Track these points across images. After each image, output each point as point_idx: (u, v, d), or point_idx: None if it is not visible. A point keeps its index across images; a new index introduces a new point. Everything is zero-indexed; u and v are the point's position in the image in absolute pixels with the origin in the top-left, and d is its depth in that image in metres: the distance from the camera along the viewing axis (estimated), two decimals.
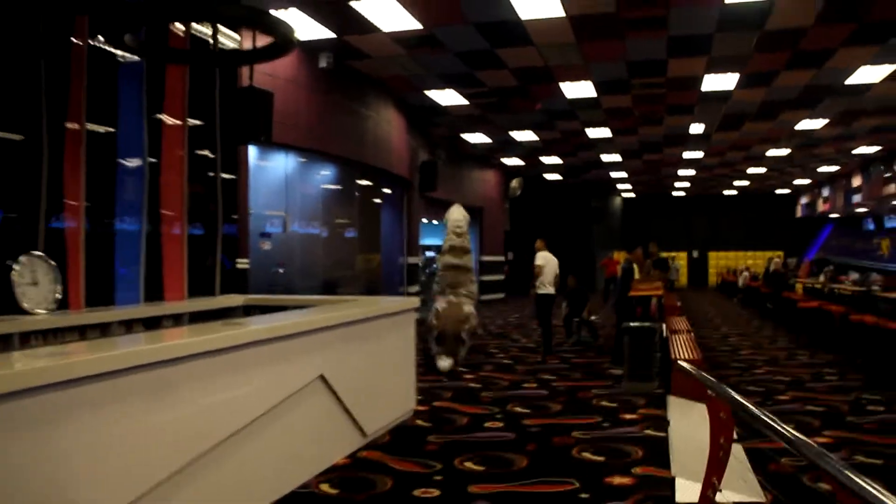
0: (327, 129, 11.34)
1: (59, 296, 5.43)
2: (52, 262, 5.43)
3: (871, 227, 34.26)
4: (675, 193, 36.32)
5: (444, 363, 10.17)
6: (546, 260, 11.33)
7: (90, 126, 6.29)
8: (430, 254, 22.82)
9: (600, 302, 24.59)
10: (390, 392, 6.73)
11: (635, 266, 10.54)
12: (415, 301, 7.33)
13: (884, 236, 34.49)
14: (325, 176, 12.09)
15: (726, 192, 35.92)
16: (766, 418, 2.53)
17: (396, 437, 6.45)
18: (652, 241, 13.70)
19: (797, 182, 30.95)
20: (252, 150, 10.03)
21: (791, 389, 8.82)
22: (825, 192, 30.48)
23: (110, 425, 3.19)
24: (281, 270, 10.44)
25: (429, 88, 13.73)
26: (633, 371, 8.68)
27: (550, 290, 11.30)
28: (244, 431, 4.21)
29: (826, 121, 16.82)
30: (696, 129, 17.77)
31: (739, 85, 13.41)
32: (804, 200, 35.01)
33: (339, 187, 12.54)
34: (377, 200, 14.08)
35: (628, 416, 7.35)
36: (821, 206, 31.47)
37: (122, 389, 3.26)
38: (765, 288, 19.45)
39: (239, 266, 8.94)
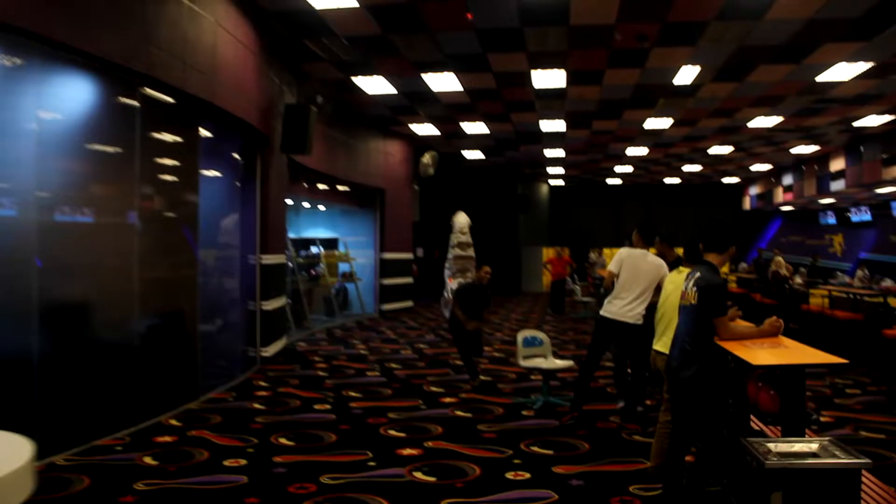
0: None
1: None
2: None
3: (832, 220, 30.11)
4: (609, 181, 31.47)
5: None
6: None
7: None
8: (315, 249, 17.01)
9: (541, 312, 19.37)
10: None
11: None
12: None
13: (836, 232, 30.55)
14: (65, 97, 6.12)
15: (667, 181, 31.29)
16: None
17: None
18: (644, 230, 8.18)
19: (755, 168, 26.33)
20: None
21: None
22: (787, 180, 25.93)
23: None
24: None
25: None
26: None
27: None
28: None
29: (868, 66, 11.80)
30: (687, 74, 12.48)
31: None
32: (754, 191, 30.62)
33: (102, 125, 6.54)
34: (191, 158, 8.02)
35: None
36: (780, 197, 26.93)
37: None
38: (765, 297, 14.36)
39: None
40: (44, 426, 5.70)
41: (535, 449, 6.21)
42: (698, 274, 4.62)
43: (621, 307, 7.00)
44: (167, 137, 7.55)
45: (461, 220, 14.89)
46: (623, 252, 7.24)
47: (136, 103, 6.77)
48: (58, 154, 5.96)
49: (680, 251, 7.86)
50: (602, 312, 7.19)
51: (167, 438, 6.43)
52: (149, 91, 6.97)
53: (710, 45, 10.77)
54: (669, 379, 4.84)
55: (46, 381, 5.74)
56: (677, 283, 5.31)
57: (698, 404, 4.53)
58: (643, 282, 6.91)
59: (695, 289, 4.55)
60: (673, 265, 7.03)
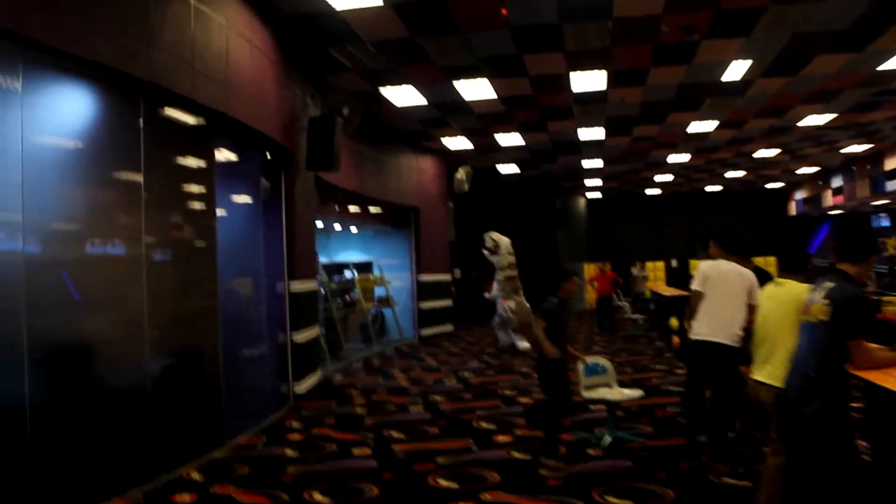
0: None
1: None
2: None
3: (885, 223, 28.78)
4: (648, 192, 30.45)
5: (525, 344, 14.20)
6: None
7: None
8: (348, 274, 16.24)
9: (586, 330, 18.42)
10: None
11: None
12: None
13: (889, 235, 29.22)
14: (57, 111, 5.39)
15: (708, 189, 30.20)
16: None
17: None
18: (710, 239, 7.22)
19: (801, 171, 25.18)
20: None
21: None
22: (836, 182, 24.73)
23: None
24: None
25: None
26: None
27: None
28: None
29: None
30: (737, 69, 11.55)
31: None
32: (800, 195, 29.39)
33: (101, 143, 5.79)
34: (207, 177, 7.26)
35: None
36: (829, 200, 25.71)
37: None
38: None
39: None
40: (41, 489, 4.93)
41: (612, 500, 5.32)
42: (830, 284, 3.72)
43: (716, 326, 6.04)
44: (178, 155, 6.81)
45: (504, 239, 15.11)
46: (704, 266, 6.34)
47: (140, 116, 6.04)
48: (49, 178, 5.22)
49: (759, 261, 7.00)
50: (692, 336, 6.26)
51: (186, 497, 5.62)
52: (154, 102, 6.23)
53: (764, 34, 9.86)
54: (784, 415, 3.93)
55: (42, 434, 4.97)
56: (780, 299, 4.43)
57: (825, 447, 3.63)
58: (736, 295, 5.98)
59: (826, 301, 3.66)
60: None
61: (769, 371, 4.37)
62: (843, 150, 20.62)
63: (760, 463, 5.16)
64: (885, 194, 21.44)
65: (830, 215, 30.58)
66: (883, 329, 11.34)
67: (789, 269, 4.60)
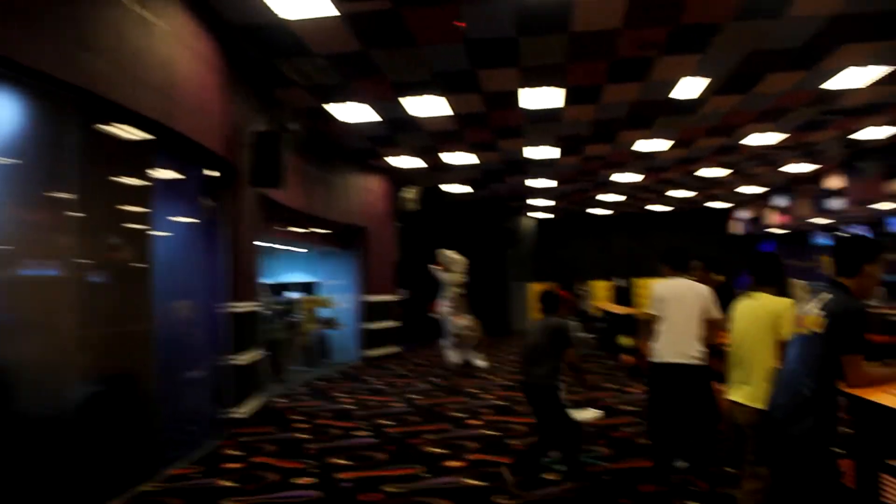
0: None
1: None
2: None
3: (823, 241, 29.24)
4: (597, 212, 30.49)
5: (483, 363, 14.70)
6: None
7: None
8: (292, 295, 15.80)
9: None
10: None
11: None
12: None
13: (826, 252, 29.71)
14: None
15: (654, 208, 30.35)
16: None
17: None
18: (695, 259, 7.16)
19: (746, 190, 25.44)
20: None
21: None
22: (779, 202, 25.01)
23: None
24: None
25: None
26: None
27: None
28: None
29: (886, 70, 10.88)
30: (691, 87, 11.48)
31: None
32: (744, 215, 29.69)
33: (27, 153, 5.34)
34: (144, 193, 6.81)
35: None
36: (771, 219, 25.98)
37: None
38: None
39: None
40: None
41: None
42: (828, 296, 3.49)
43: (677, 347, 5.81)
44: (114, 169, 6.37)
45: (459, 258, 15.20)
46: (657, 288, 6.13)
47: (72, 127, 5.60)
48: None
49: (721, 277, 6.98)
50: (654, 359, 6.02)
51: None
52: (89, 112, 5.78)
53: (720, 52, 9.80)
54: (767, 437, 3.66)
55: None
56: (755, 314, 4.22)
57: (808, 469, 3.37)
58: (692, 312, 5.79)
59: (823, 313, 3.42)
60: (720, 294, 6.00)
61: (747, 391, 4.15)
62: (787, 170, 20.83)
63: (730, 486, 4.93)
64: (826, 213, 21.69)
65: (772, 234, 30.97)
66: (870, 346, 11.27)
67: (763, 282, 4.39)
